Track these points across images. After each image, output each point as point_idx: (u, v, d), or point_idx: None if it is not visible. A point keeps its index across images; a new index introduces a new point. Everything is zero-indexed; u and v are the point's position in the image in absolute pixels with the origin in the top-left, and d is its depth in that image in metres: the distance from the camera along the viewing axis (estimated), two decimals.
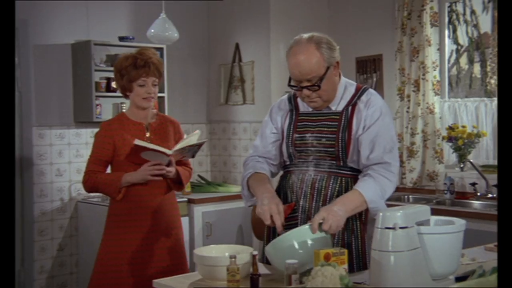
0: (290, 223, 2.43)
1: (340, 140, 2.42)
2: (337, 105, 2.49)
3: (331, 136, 2.43)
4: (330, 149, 2.43)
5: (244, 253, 2.23)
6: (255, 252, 2.15)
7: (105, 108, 5.19)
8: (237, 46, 5.66)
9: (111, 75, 5.12)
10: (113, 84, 5.13)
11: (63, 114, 5.08)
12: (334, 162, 2.44)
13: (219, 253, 2.35)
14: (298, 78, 2.39)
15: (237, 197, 5.27)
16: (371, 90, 2.53)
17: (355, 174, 2.45)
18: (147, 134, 3.05)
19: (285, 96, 2.65)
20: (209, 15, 5.94)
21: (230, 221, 5.21)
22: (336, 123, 2.45)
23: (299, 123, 2.52)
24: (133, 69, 2.99)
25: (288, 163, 2.56)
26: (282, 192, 2.54)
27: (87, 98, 4.99)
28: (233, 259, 2.09)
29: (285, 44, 5.48)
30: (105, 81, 5.11)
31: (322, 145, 2.44)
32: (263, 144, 2.61)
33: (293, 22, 5.37)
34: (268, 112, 2.67)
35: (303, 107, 2.55)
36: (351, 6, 5.39)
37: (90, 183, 3.03)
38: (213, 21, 5.92)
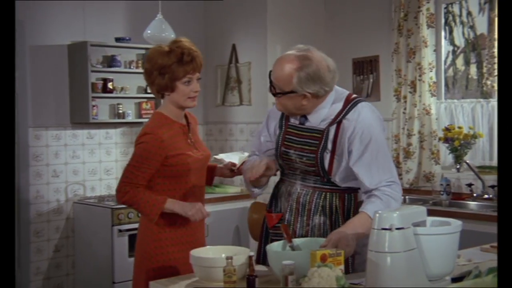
0: (277, 232, 2.46)
1: (318, 160, 2.38)
2: (320, 123, 2.41)
3: (311, 155, 2.40)
4: (311, 168, 2.42)
5: (240, 254, 2.22)
6: (252, 253, 2.15)
7: (102, 109, 5.19)
8: (233, 47, 5.66)
9: (108, 76, 5.15)
10: (110, 85, 5.13)
11: (59, 115, 5.07)
12: (319, 177, 2.43)
13: (216, 254, 2.35)
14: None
15: (234, 198, 5.28)
16: (359, 106, 2.39)
17: (340, 189, 2.43)
18: (190, 135, 2.77)
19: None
20: (206, 16, 5.95)
21: (226, 222, 5.21)
22: (317, 142, 2.40)
23: (286, 136, 2.49)
24: (179, 66, 2.61)
25: (280, 171, 2.59)
26: (274, 199, 2.57)
27: (83, 99, 4.99)
28: (230, 260, 2.09)
29: (282, 45, 5.51)
30: (101, 82, 5.11)
31: (304, 164, 2.43)
32: (259, 150, 2.64)
33: (290, 23, 5.38)
34: (266, 116, 2.65)
35: (292, 118, 2.52)
36: (348, 7, 5.39)
37: (129, 197, 2.62)
38: (209, 22, 5.92)
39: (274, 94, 2.39)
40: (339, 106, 2.40)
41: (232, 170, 2.84)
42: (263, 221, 2.64)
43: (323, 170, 2.39)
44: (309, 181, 2.44)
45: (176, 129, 2.69)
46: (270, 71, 2.41)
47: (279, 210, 2.51)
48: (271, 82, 2.40)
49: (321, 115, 2.41)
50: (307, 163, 2.41)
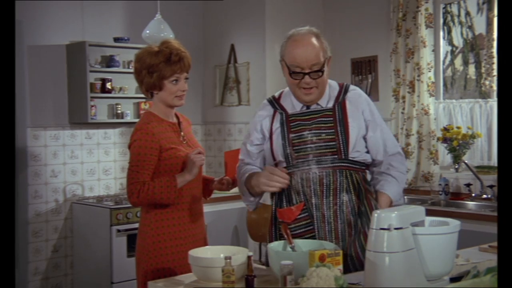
0: (302, 223, 2.44)
1: (339, 133, 2.44)
2: (327, 103, 2.53)
3: (329, 131, 2.45)
4: (331, 143, 2.45)
5: (239, 254, 2.22)
6: (251, 253, 2.15)
7: (100, 109, 5.19)
8: (232, 47, 5.66)
9: (106, 76, 5.15)
10: (108, 85, 5.13)
11: (58, 115, 5.07)
12: (336, 156, 2.44)
13: (214, 254, 2.35)
14: (302, 65, 2.42)
15: (232, 198, 5.27)
16: (353, 87, 2.62)
17: (357, 167, 2.48)
18: (182, 134, 2.83)
19: (264, 103, 2.64)
20: (205, 16, 5.94)
21: (225, 222, 5.21)
22: (331, 118, 2.48)
23: (292, 123, 2.50)
24: (167, 65, 2.72)
25: (285, 165, 2.50)
26: (284, 194, 2.50)
27: (82, 99, 4.99)
28: (228, 260, 2.09)
29: (280, 45, 5.50)
30: (100, 82, 5.11)
31: (323, 140, 2.45)
32: (251, 157, 2.65)
33: (288, 23, 5.36)
34: (252, 125, 2.63)
35: (290, 108, 2.54)
36: (346, 7, 5.40)
37: (143, 195, 2.62)
38: (208, 22, 5.92)
39: (316, 76, 2.44)
40: (336, 87, 2.58)
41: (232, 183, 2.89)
42: (270, 221, 2.58)
43: (343, 143, 2.44)
44: (325, 162, 2.45)
45: (165, 126, 2.76)
46: (289, 70, 2.45)
47: (295, 202, 2.47)
48: (301, 73, 2.44)
49: (325, 97, 2.54)
50: (326, 139, 2.45)
